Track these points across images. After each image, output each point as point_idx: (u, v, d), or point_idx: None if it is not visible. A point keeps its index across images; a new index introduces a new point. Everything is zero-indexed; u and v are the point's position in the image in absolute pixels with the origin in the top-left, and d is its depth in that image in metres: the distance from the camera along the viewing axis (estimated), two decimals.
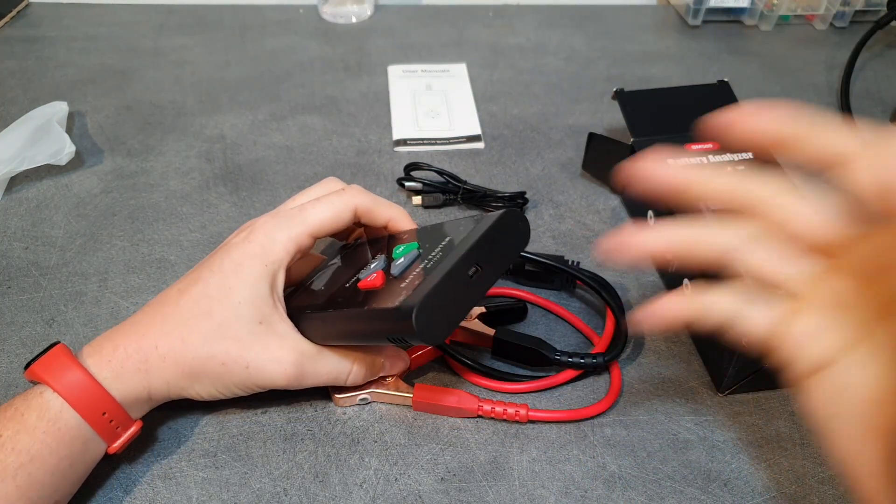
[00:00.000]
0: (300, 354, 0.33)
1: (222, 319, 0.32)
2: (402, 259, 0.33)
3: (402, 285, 0.31)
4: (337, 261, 0.40)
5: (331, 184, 0.40)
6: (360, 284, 0.33)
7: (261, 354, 0.33)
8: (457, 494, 0.34)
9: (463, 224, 0.34)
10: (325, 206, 0.36)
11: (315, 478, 0.34)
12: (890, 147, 0.21)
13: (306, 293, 0.38)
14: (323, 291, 0.37)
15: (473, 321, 0.40)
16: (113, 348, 0.32)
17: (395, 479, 0.34)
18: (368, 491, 0.34)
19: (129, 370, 0.32)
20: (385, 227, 0.39)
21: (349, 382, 0.35)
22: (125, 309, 0.42)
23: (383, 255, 0.35)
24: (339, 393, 0.37)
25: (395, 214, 0.38)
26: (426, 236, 0.35)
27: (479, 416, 0.37)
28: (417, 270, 0.31)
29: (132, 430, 0.32)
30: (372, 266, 0.35)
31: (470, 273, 0.30)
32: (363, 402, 0.37)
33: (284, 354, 0.33)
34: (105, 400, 0.31)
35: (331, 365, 0.34)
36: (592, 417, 0.37)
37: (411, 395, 0.37)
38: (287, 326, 0.34)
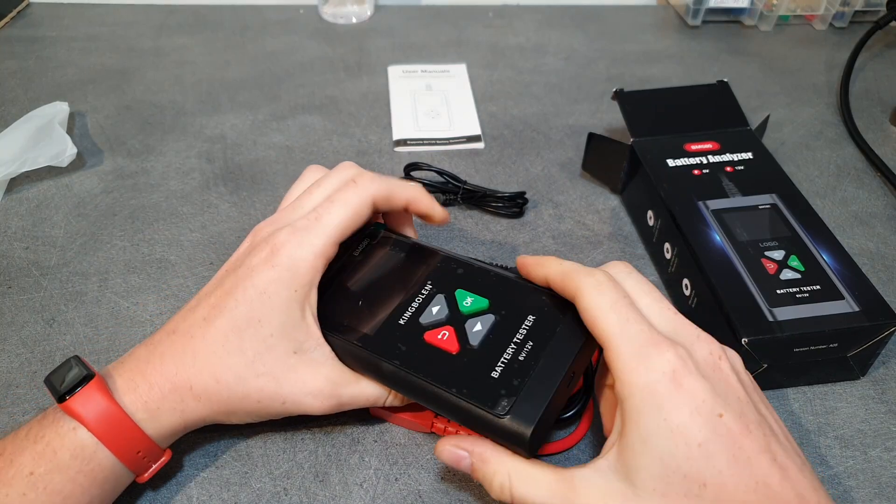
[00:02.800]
0: (336, 386, 0.32)
1: (254, 355, 0.31)
2: (477, 323, 0.32)
3: (495, 376, 0.29)
4: (363, 257, 0.37)
5: (347, 170, 0.36)
6: (427, 337, 0.32)
7: (296, 389, 0.32)
8: (457, 494, 0.34)
9: (534, 292, 0.32)
10: (341, 206, 0.33)
11: (315, 477, 0.34)
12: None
13: (342, 302, 0.35)
14: (365, 311, 0.34)
15: None
16: (148, 387, 0.31)
17: (395, 479, 0.34)
18: (368, 490, 0.34)
19: (166, 411, 0.31)
20: (405, 210, 0.36)
21: (387, 404, 0.34)
22: (125, 309, 0.42)
23: (442, 296, 0.33)
24: None
25: (414, 194, 0.36)
26: (492, 289, 0.33)
27: (433, 433, 0.36)
28: (508, 357, 0.30)
29: (162, 460, 0.32)
30: (434, 310, 0.33)
31: (567, 383, 0.29)
32: None
33: (320, 386, 0.32)
34: (141, 439, 0.30)
35: (369, 391, 0.33)
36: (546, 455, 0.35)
37: None
38: (323, 352, 0.33)
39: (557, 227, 0.49)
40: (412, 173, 0.51)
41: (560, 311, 0.31)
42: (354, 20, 0.75)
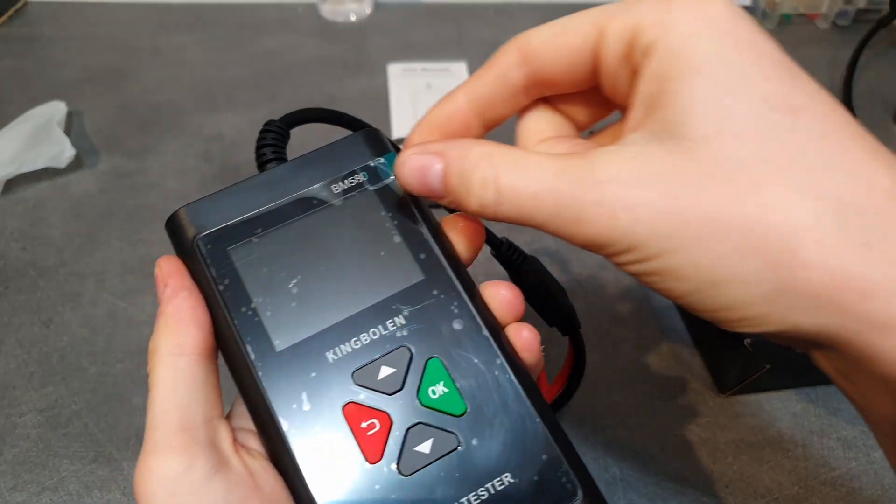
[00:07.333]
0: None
1: None
2: (428, 441, 0.20)
3: None
4: (340, 204, 0.24)
5: None
6: (347, 411, 0.20)
7: None
8: None
9: (539, 435, 0.20)
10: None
11: None
12: None
13: (269, 268, 0.22)
14: (289, 305, 0.22)
15: None
16: None
17: None
18: None
19: None
20: None
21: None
22: (123, 310, 0.42)
23: (408, 352, 0.21)
24: None
25: None
26: (483, 392, 0.20)
27: None
28: None
29: None
30: (384, 372, 0.21)
31: None
32: None
33: None
34: None
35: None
36: None
37: None
38: None
39: None
40: None
41: (563, 489, 0.20)
42: (353, 18, 0.74)
